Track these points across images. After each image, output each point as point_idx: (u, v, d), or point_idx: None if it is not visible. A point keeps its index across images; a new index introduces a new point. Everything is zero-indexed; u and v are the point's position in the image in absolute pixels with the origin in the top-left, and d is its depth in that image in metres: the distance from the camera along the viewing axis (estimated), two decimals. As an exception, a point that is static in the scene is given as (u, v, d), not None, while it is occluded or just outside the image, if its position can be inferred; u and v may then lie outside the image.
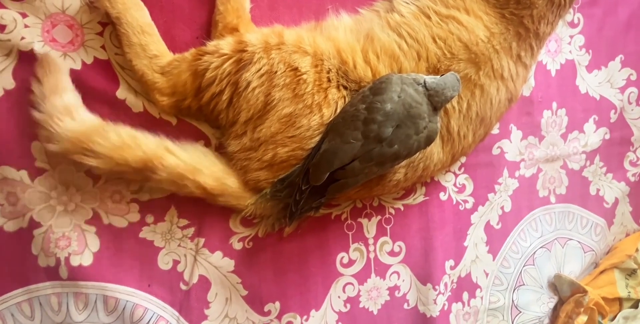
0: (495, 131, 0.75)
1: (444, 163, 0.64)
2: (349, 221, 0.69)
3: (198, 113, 0.57)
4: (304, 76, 0.53)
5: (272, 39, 0.53)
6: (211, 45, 0.54)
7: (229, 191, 0.56)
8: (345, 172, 0.52)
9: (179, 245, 0.62)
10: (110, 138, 0.50)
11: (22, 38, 0.53)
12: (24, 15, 0.53)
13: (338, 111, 0.54)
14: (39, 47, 0.53)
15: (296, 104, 0.53)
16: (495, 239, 0.80)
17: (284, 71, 0.52)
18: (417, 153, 0.55)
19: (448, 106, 0.60)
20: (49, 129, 0.50)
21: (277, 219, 0.58)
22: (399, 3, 0.59)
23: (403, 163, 0.58)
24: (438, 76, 0.54)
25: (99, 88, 0.56)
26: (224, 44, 0.53)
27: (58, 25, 0.54)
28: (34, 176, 0.56)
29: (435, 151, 0.61)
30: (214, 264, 0.63)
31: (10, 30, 0.52)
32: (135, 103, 0.58)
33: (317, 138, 0.54)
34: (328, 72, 0.55)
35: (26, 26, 0.53)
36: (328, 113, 0.54)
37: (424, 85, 0.52)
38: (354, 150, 0.50)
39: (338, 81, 0.55)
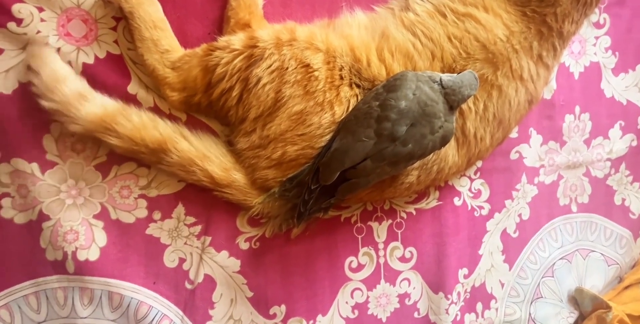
0: (513, 134, 0.72)
1: (459, 167, 0.61)
2: (359, 224, 0.67)
3: (208, 109, 0.56)
4: (316, 73, 0.52)
5: (284, 35, 0.52)
6: (222, 40, 0.53)
7: (236, 185, 0.55)
8: (356, 172, 0.50)
9: (185, 243, 0.61)
10: (132, 119, 0.52)
11: (38, 32, 0.53)
12: (40, 10, 0.53)
13: (350, 109, 0.53)
14: (53, 41, 0.54)
15: (307, 101, 0.52)
16: (511, 248, 0.76)
17: (295, 68, 0.51)
18: (432, 154, 0.53)
19: (464, 106, 0.58)
20: (68, 115, 0.50)
21: (284, 219, 0.56)
22: (414, 1, 0.58)
23: (416, 165, 0.57)
24: (454, 74, 0.52)
25: (110, 82, 0.56)
26: (235, 40, 0.52)
27: (73, 19, 0.54)
28: (45, 169, 0.56)
29: (450, 153, 0.59)
30: (220, 264, 0.62)
31: (27, 24, 0.53)
32: (146, 98, 0.58)
33: (328, 137, 0.52)
34: (340, 70, 0.53)
35: (42, 20, 0.53)
36: (340, 111, 0.52)
37: (440, 83, 0.50)
38: (366, 149, 0.49)
39: (351, 79, 0.54)
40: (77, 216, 0.57)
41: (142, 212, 0.59)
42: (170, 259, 0.61)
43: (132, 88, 0.57)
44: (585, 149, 0.79)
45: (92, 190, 0.58)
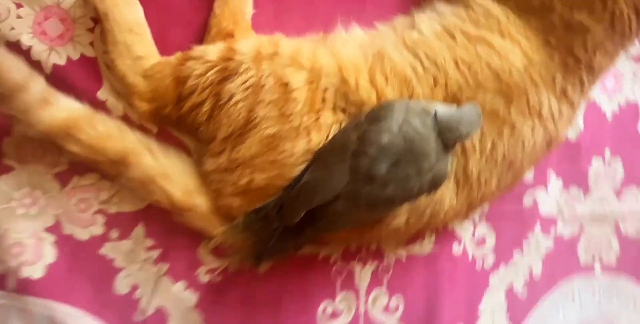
0: (528, 176, 0.63)
1: (457, 211, 0.53)
2: (339, 265, 0.59)
3: (179, 124, 0.51)
4: (295, 93, 0.45)
5: (266, 48, 0.47)
6: (198, 50, 0.48)
7: (197, 211, 0.49)
8: (327, 213, 0.42)
9: (141, 268, 0.55)
10: (97, 127, 0.48)
11: (12, 28, 0.50)
12: (19, 6, 0.51)
13: (330, 137, 0.46)
14: (26, 39, 0.50)
15: (282, 124, 0.46)
16: (518, 309, 0.66)
17: (273, 86, 0.45)
18: (417, 198, 0.45)
19: (467, 143, 0.49)
20: (29, 120, 0.47)
21: (247, 255, 0.49)
22: (420, 19, 0.51)
23: (406, 206, 0.49)
24: (454, 107, 0.45)
25: (80, 86, 0.52)
26: (212, 50, 0.47)
27: (51, 18, 0.51)
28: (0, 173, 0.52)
29: (448, 196, 0.51)
30: (176, 296, 0.55)
31: (2, 20, 0.50)
32: (116, 106, 0.53)
33: (301, 167, 0.45)
34: (324, 91, 0.47)
35: (19, 17, 0.50)
36: (317, 139, 0.46)
37: (435, 116, 0.43)
38: (337, 187, 0.42)
39: (335, 103, 0.47)
40: (28, 228, 0.53)
41: (99, 229, 0.54)
42: (122, 285, 0.55)
43: (103, 94, 0.53)
44: (614, 199, 0.68)
45: (48, 200, 0.53)
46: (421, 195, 0.45)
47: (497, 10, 0.50)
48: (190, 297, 0.55)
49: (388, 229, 0.51)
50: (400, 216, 0.50)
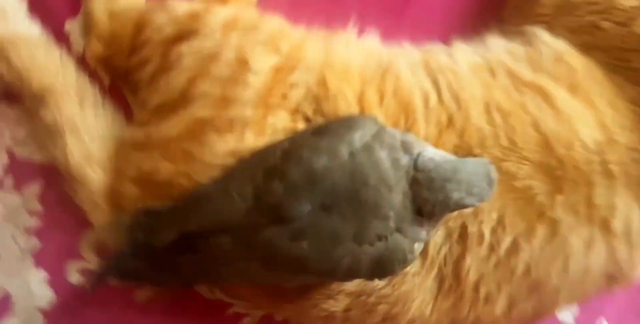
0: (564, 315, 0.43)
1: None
2: None
3: (125, 80, 0.42)
4: (250, 77, 0.35)
5: (246, 20, 0.37)
6: (173, 1, 0.40)
7: (87, 185, 0.39)
8: (209, 246, 0.29)
9: (12, 236, 0.44)
10: (37, 54, 0.42)
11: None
12: None
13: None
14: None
15: (218, 109, 0.35)
16: None
17: (230, 60, 0.35)
18: (350, 280, 0.30)
19: (472, 229, 0.34)
20: None
21: (113, 268, 0.36)
22: (459, 47, 0.39)
23: (349, 287, 0.33)
24: (452, 156, 0.30)
25: (51, 10, 0.46)
26: (185, 5, 0.38)
27: None
28: None
29: (420, 299, 0.34)
30: (29, 287, 0.43)
31: None
32: (78, 43, 0.46)
33: (213, 174, 0.33)
34: (291, 87, 0.35)
35: None
36: (252, 141, 0.34)
37: (416, 159, 0.29)
38: (229, 214, 0.28)
39: (298, 105, 0.35)
40: None
41: (-7, 171, 0.45)
42: (-16, 244, 0.44)
43: (71, 26, 0.46)
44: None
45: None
46: (353, 276, 0.29)
47: (576, 59, 0.36)
48: (45, 295, 0.43)
49: (316, 313, 0.35)
50: (338, 300, 0.34)
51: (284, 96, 0.35)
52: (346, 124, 0.30)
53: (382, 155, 0.28)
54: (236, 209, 0.28)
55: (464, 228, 0.34)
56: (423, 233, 0.29)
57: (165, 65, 0.37)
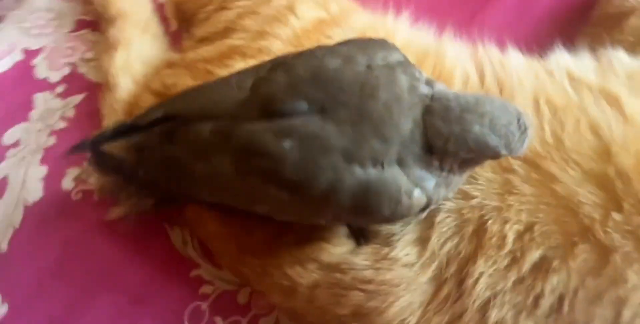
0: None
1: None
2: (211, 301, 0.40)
3: (188, 24, 0.46)
4: (292, 19, 0.37)
5: None
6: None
7: (115, 91, 0.41)
8: (186, 134, 0.28)
9: (39, 131, 0.48)
10: None
11: None
12: None
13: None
14: None
15: (252, 40, 0.36)
16: None
17: (279, 5, 0.38)
18: (325, 209, 0.25)
19: (492, 227, 0.26)
20: None
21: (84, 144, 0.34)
22: (515, 51, 0.35)
23: (324, 257, 0.29)
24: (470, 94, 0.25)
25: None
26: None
27: None
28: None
29: (405, 299, 0.27)
30: (25, 181, 0.45)
31: None
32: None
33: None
34: (327, 39, 0.36)
35: None
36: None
37: (432, 87, 0.25)
38: (222, 100, 0.27)
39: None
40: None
41: (56, 77, 0.50)
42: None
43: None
44: None
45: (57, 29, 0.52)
46: (329, 201, 0.23)
47: None
48: (34, 191, 0.44)
49: (280, 280, 0.30)
50: (306, 272, 0.29)
51: (318, 43, 0.36)
52: (373, 42, 0.27)
53: (402, 77, 0.24)
54: (229, 97, 0.26)
55: (482, 222, 0.26)
56: (429, 180, 0.24)
57: (223, 5, 0.41)
